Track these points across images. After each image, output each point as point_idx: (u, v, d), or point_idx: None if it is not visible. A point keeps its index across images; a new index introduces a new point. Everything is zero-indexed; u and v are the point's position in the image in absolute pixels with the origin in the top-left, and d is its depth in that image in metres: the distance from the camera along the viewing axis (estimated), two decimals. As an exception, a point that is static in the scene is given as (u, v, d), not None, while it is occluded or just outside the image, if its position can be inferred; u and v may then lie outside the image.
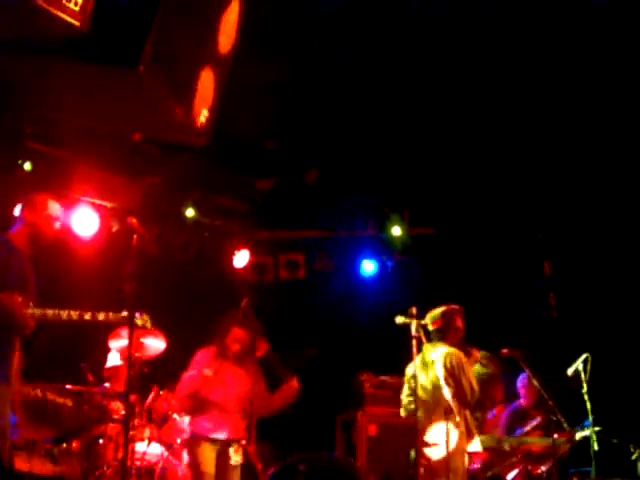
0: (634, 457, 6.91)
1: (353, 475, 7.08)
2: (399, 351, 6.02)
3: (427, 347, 6.01)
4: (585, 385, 6.47)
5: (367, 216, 9.47)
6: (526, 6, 6.51)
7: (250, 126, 7.34)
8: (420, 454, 5.69)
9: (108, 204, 8.06)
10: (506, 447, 6.74)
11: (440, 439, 5.72)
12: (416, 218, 9.42)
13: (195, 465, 6.03)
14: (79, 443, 6.14)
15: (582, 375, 6.51)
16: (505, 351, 6.47)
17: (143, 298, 5.21)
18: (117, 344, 6.78)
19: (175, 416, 6.77)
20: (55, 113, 5.50)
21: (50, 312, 4.82)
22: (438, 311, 6.27)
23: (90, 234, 7.93)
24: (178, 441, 6.64)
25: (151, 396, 6.85)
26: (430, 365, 5.98)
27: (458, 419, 5.71)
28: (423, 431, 5.82)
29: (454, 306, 6.33)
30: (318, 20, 6.66)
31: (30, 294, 4.84)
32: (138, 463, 6.43)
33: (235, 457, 5.96)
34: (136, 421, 6.53)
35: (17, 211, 5.91)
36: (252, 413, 6.33)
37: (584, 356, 6.57)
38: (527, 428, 7.38)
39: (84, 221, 7.86)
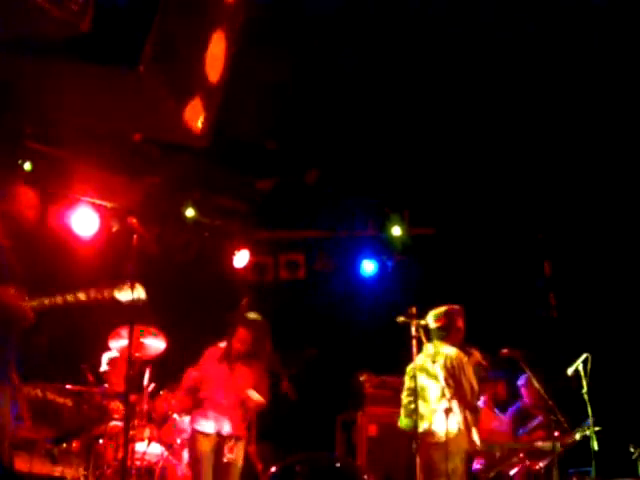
0: (634, 457, 6.91)
1: (353, 475, 7.08)
2: (399, 351, 6.02)
3: (427, 347, 6.01)
4: (585, 385, 6.47)
5: (367, 216, 9.47)
6: (526, 6, 6.51)
7: (250, 126, 7.34)
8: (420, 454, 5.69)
9: (108, 204, 8.06)
10: (496, 453, 6.75)
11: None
12: (416, 218, 9.42)
13: (193, 461, 6.06)
14: (79, 443, 6.14)
15: (582, 375, 6.51)
16: (505, 351, 6.46)
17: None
18: (117, 344, 6.79)
19: (175, 416, 6.77)
20: (55, 113, 5.50)
21: (46, 300, 4.78)
22: (440, 310, 6.27)
23: (90, 234, 7.93)
24: (178, 441, 6.64)
25: (148, 382, 6.76)
26: (430, 365, 5.98)
27: (458, 419, 5.70)
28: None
29: (455, 306, 6.33)
30: (318, 20, 6.66)
31: (21, 285, 4.80)
32: (138, 463, 6.43)
33: (229, 454, 5.95)
34: (136, 421, 6.53)
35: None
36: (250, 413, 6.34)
37: (584, 356, 6.56)
38: (529, 428, 7.39)
39: (84, 221, 7.87)
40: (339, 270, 9.66)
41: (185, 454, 6.48)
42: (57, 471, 5.97)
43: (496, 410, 7.74)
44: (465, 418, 5.94)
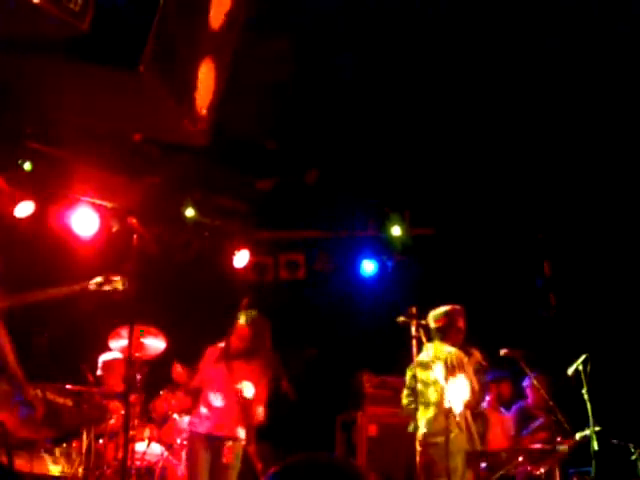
0: (634, 457, 6.91)
1: (353, 475, 7.08)
2: (399, 351, 6.02)
3: (427, 347, 6.01)
4: (585, 385, 6.47)
5: (367, 216, 9.46)
6: (525, 6, 6.52)
7: (250, 126, 7.34)
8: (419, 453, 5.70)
9: (108, 204, 8.06)
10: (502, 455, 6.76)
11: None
12: (416, 218, 9.41)
13: (189, 462, 6.04)
14: (79, 443, 6.14)
15: (582, 375, 6.51)
16: (505, 351, 6.46)
17: (143, 298, 5.22)
18: (117, 344, 6.79)
19: (175, 416, 6.78)
20: (55, 113, 5.50)
21: (28, 296, 4.78)
22: (441, 310, 6.27)
23: (90, 234, 7.93)
24: (178, 441, 6.65)
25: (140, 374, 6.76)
26: (431, 364, 5.98)
27: (458, 419, 5.71)
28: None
29: (456, 306, 6.33)
30: (318, 20, 6.66)
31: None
32: (138, 463, 6.43)
33: (227, 455, 5.94)
34: (136, 421, 6.53)
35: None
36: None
37: (584, 356, 6.56)
38: (531, 429, 7.39)
39: (84, 221, 7.87)
40: (339, 270, 9.65)
41: (184, 453, 6.47)
42: (57, 471, 5.97)
43: (502, 410, 7.74)
44: (466, 418, 5.94)
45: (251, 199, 9.03)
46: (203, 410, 6.04)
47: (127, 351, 5.70)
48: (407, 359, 5.94)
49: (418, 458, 5.77)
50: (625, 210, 8.58)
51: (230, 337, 6.20)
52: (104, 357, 7.08)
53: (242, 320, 6.18)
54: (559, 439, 6.52)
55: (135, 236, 5.08)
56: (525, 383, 7.74)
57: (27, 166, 7.40)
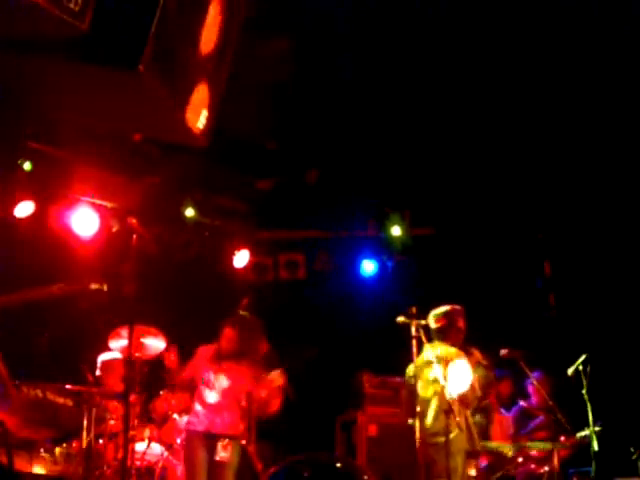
0: (634, 457, 6.91)
1: (353, 475, 7.08)
2: (399, 351, 6.02)
3: (427, 347, 6.01)
4: (585, 385, 6.47)
5: (367, 216, 9.46)
6: (525, 7, 6.52)
7: (250, 126, 7.33)
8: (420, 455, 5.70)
9: (108, 204, 8.06)
10: (508, 453, 6.75)
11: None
12: (416, 218, 9.41)
13: (186, 461, 6.05)
14: (79, 443, 6.14)
15: (582, 375, 6.51)
16: (505, 351, 6.46)
17: (143, 298, 5.22)
18: (117, 344, 6.79)
19: (175, 416, 6.77)
20: (55, 113, 5.50)
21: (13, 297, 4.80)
22: (441, 310, 6.27)
23: (90, 234, 7.93)
24: (178, 441, 6.64)
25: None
26: (431, 365, 5.98)
27: (458, 419, 5.70)
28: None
29: (457, 306, 6.33)
30: (318, 20, 6.66)
31: None
32: (138, 463, 6.43)
33: (221, 453, 5.94)
34: (136, 421, 6.53)
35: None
36: (250, 412, 6.32)
37: (584, 356, 6.57)
38: (530, 428, 7.39)
39: (84, 221, 7.86)
40: (339, 270, 9.65)
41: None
42: (57, 471, 5.97)
43: (502, 410, 7.74)
44: (466, 418, 5.94)
45: (251, 199, 9.03)
46: (198, 408, 6.09)
47: (127, 351, 5.70)
48: (407, 359, 5.93)
49: (418, 458, 5.76)
50: (625, 210, 8.58)
51: (220, 339, 6.23)
52: (103, 357, 7.09)
53: (229, 323, 6.22)
54: (562, 439, 6.53)
55: (135, 236, 5.08)
56: (528, 383, 7.74)
57: (27, 166, 7.40)
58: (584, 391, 6.47)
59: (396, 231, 9.28)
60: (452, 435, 5.68)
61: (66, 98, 4.73)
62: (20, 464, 5.63)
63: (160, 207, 8.43)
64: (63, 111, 5.18)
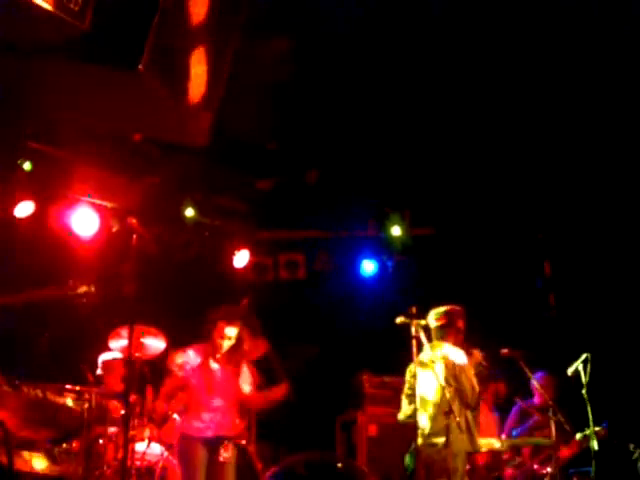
0: (634, 457, 6.91)
1: (353, 475, 7.09)
2: (399, 351, 6.01)
3: (427, 347, 6.01)
4: (585, 385, 6.47)
5: (367, 216, 9.46)
6: (525, 7, 6.52)
7: (250, 126, 7.34)
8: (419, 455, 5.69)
9: (108, 204, 8.06)
10: (497, 446, 6.74)
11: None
12: (416, 218, 9.41)
13: (185, 464, 5.95)
14: (79, 443, 6.13)
15: (582, 375, 6.51)
16: (505, 351, 6.46)
17: (143, 298, 5.22)
18: (117, 344, 6.79)
19: (175, 416, 6.76)
20: (55, 113, 5.51)
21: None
22: (440, 310, 6.27)
23: (90, 234, 7.93)
24: (178, 441, 6.64)
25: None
26: (431, 365, 5.98)
27: (458, 419, 5.70)
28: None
29: (457, 307, 6.33)
30: (318, 20, 6.66)
31: None
32: (138, 463, 6.43)
33: (224, 454, 5.91)
34: (136, 421, 6.53)
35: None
36: (250, 412, 6.31)
37: (584, 356, 6.56)
38: (525, 428, 7.39)
39: (84, 221, 7.86)
40: (339, 270, 9.65)
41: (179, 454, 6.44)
42: (57, 471, 5.97)
43: (491, 410, 7.73)
44: (466, 418, 5.93)
45: (251, 199, 9.03)
46: (197, 412, 5.96)
47: (127, 351, 5.69)
48: (407, 359, 5.93)
49: (418, 458, 5.75)
50: (625, 210, 8.58)
51: (214, 338, 6.13)
52: (104, 357, 7.08)
53: (229, 322, 6.17)
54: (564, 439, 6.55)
55: (135, 236, 5.08)
56: (532, 382, 7.74)
57: (27, 166, 7.40)
58: (584, 391, 6.46)
59: (396, 231, 9.28)
60: (452, 436, 5.67)
61: (66, 98, 4.74)
62: (20, 464, 5.63)
63: (160, 207, 8.43)
64: (63, 111, 5.18)
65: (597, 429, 6.58)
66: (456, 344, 6.18)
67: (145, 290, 5.26)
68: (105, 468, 6.29)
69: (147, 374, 6.79)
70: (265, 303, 7.89)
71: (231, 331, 6.09)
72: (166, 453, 6.58)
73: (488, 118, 7.80)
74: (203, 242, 8.99)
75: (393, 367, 7.06)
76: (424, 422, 5.86)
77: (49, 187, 7.70)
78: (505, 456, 7.05)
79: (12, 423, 5.30)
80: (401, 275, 9.54)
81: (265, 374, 6.50)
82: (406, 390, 6.20)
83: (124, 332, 6.54)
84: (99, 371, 7.03)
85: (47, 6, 3.65)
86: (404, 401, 6.19)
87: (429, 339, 5.93)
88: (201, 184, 8.64)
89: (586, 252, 8.91)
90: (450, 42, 6.92)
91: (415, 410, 5.68)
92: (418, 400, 5.72)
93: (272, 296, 9.05)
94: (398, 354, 6.15)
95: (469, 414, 6.01)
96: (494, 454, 6.82)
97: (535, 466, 6.93)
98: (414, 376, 5.92)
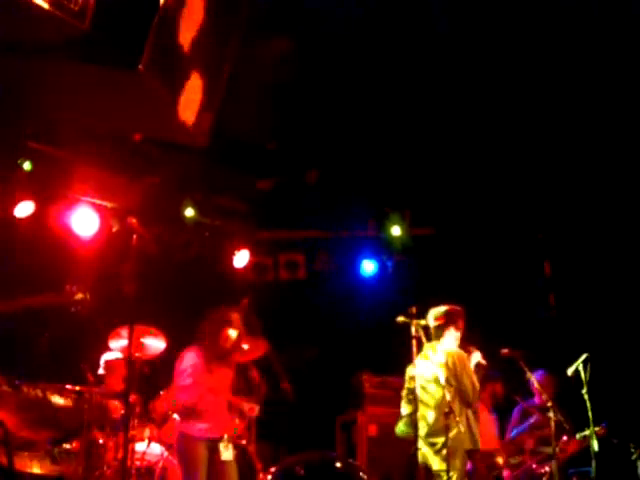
0: (634, 457, 6.91)
1: (353, 475, 7.08)
2: (399, 351, 6.02)
3: (427, 347, 6.01)
4: (585, 385, 6.47)
5: (367, 216, 9.46)
6: (525, 7, 6.52)
7: (250, 126, 7.34)
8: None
9: (108, 204, 8.06)
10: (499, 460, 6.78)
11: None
12: (416, 218, 9.41)
13: (186, 464, 5.94)
14: (79, 443, 6.13)
15: (582, 375, 6.51)
16: (505, 351, 6.46)
17: (143, 298, 5.22)
18: (117, 344, 6.79)
19: (175, 416, 6.77)
20: (55, 113, 5.51)
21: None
22: (440, 310, 6.27)
23: (90, 234, 7.93)
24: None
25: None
26: (430, 364, 5.98)
27: (459, 419, 5.70)
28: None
29: (456, 307, 6.33)
30: (318, 20, 6.66)
31: None
32: (138, 463, 6.43)
33: (225, 453, 5.91)
34: (136, 421, 6.53)
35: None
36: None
37: (584, 356, 6.56)
38: (525, 427, 7.40)
39: (84, 221, 7.86)
40: (339, 270, 9.65)
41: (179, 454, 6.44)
42: (57, 471, 5.97)
43: (489, 411, 7.73)
44: (467, 418, 5.93)
45: (251, 199, 9.03)
46: (197, 413, 5.92)
47: (127, 351, 5.69)
48: (407, 359, 5.93)
49: (418, 458, 5.75)
50: (625, 210, 8.58)
51: (219, 340, 6.12)
52: (106, 356, 7.08)
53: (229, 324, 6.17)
54: (565, 439, 6.54)
55: (135, 236, 5.08)
56: (531, 382, 7.74)
57: (27, 166, 7.40)
58: (584, 391, 6.46)
59: (396, 231, 9.28)
60: (452, 434, 5.67)
61: (66, 98, 4.74)
62: (20, 464, 5.63)
63: (160, 207, 8.43)
64: (63, 111, 5.18)
65: (597, 429, 6.58)
66: (456, 344, 6.19)
67: (145, 290, 5.25)
68: (105, 468, 6.29)
69: (147, 374, 6.79)
70: (265, 303, 7.89)
71: (233, 333, 6.11)
72: (166, 453, 6.58)
73: (488, 118, 7.80)
74: (203, 242, 8.99)
75: (393, 367, 7.06)
76: (424, 422, 5.86)
77: (49, 187, 7.70)
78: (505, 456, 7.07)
79: (12, 423, 5.30)
80: (401, 275, 9.53)
81: (244, 383, 6.51)
82: (406, 395, 6.18)
83: (124, 332, 6.55)
84: (101, 371, 7.03)
85: (47, 6, 3.65)
86: (403, 407, 6.19)
87: (429, 339, 5.93)
88: (201, 184, 8.64)
89: (586, 252, 8.91)
90: (450, 42, 6.92)
91: (415, 411, 5.68)
92: (419, 401, 5.72)
93: (272, 296, 9.05)
94: (398, 354, 6.15)
95: (470, 412, 6.01)
96: (493, 454, 6.84)
97: (534, 465, 6.93)
98: (412, 378, 5.92)
